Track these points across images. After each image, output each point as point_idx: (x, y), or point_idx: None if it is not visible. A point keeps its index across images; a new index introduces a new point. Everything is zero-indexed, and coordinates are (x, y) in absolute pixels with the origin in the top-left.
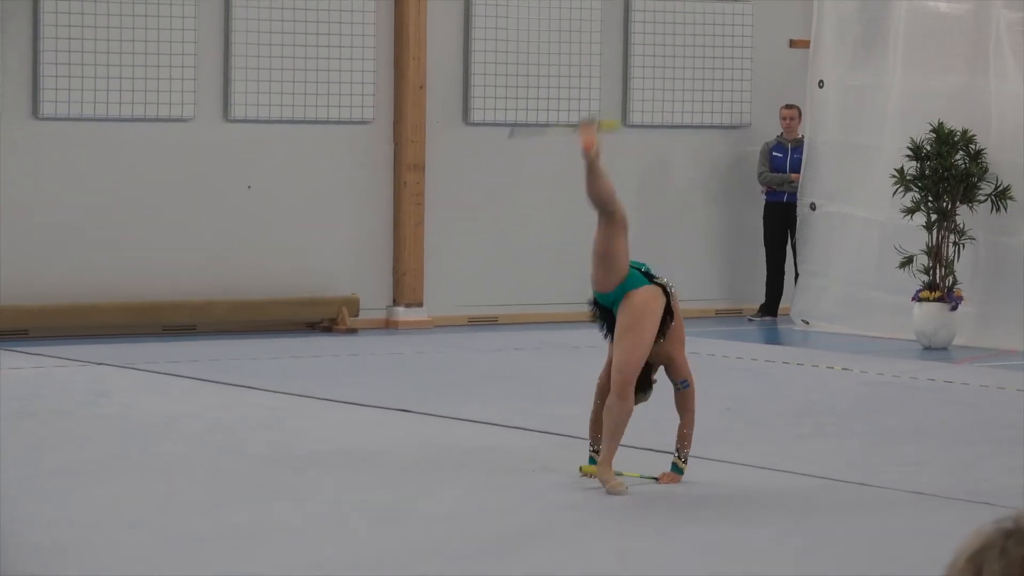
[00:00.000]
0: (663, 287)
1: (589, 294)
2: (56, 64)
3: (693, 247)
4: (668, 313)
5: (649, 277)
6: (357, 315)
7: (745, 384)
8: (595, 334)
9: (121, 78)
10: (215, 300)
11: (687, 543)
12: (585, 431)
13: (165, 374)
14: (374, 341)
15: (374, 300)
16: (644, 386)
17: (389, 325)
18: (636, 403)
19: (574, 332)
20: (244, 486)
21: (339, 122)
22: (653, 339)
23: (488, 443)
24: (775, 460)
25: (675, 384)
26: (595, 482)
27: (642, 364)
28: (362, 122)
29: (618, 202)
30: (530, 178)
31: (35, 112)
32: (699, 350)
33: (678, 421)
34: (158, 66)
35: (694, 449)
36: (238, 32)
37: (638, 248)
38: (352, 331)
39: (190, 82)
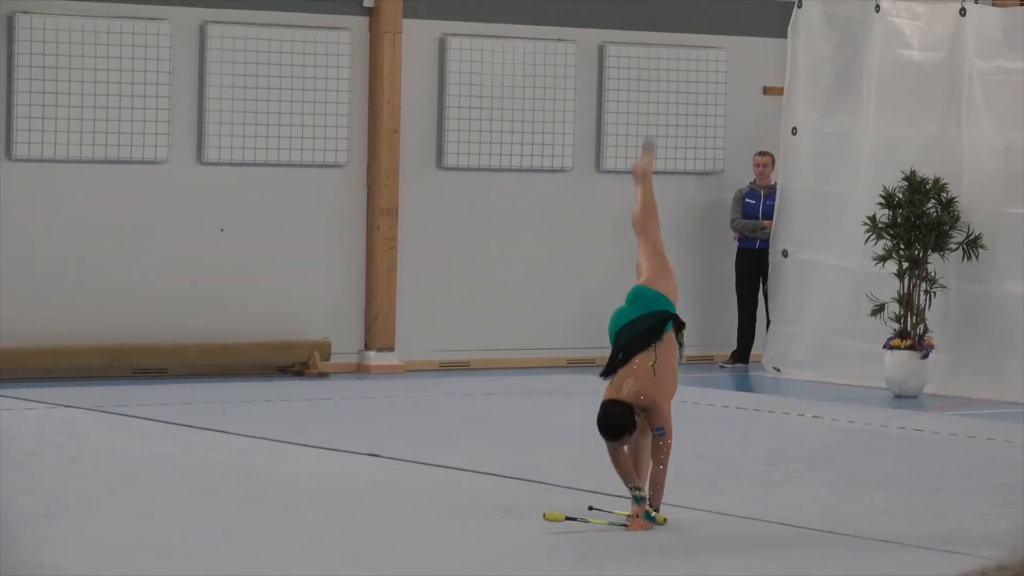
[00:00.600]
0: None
1: (562, 340)
2: (30, 106)
3: None
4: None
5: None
6: (329, 359)
7: (716, 431)
8: (566, 380)
9: (95, 120)
10: (187, 344)
11: None
12: (555, 478)
13: (136, 417)
14: (345, 385)
15: (346, 344)
16: (630, 426)
17: (361, 369)
18: (622, 443)
19: (546, 378)
20: (215, 530)
21: (312, 166)
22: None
23: (458, 489)
24: (745, 508)
25: (652, 431)
26: (562, 526)
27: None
28: (336, 166)
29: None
30: (503, 223)
31: (8, 154)
32: None
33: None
34: (132, 108)
35: (665, 496)
36: (212, 75)
37: (614, 296)
38: (324, 375)
39: (164, 124)
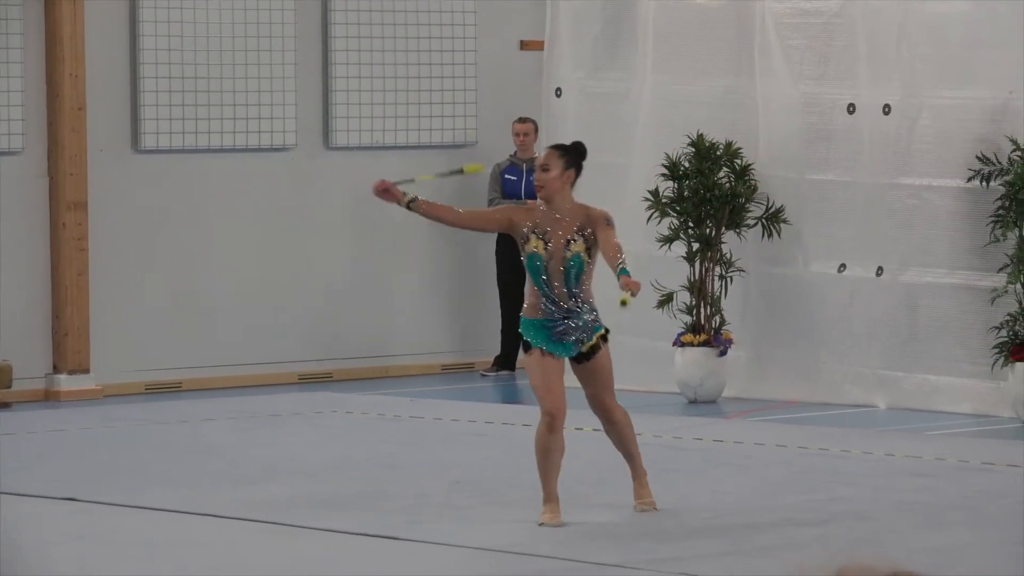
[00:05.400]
0: None
1: (291, 352)
2: None
3: (413, 289)
4: None
5: None
6: (10, 386)
7: (478, 451)
8: (298, 399)
9: None
10: None
11: None
12: (291, 516)
13: None
14: (31, 417)
15: (30, 367)
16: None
17: (49, 397)
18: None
19: (274, 397)
20: None
21: None
22: None
23: (175, 536)
24: (518, 543)
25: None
26: None
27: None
28: (9, 152)
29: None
30: (215, 215)
31: None
32: (423, 413)
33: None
34: None
35: (420, 532)
36: None
37: (350, 297)
38: (4, 406)
39: None
